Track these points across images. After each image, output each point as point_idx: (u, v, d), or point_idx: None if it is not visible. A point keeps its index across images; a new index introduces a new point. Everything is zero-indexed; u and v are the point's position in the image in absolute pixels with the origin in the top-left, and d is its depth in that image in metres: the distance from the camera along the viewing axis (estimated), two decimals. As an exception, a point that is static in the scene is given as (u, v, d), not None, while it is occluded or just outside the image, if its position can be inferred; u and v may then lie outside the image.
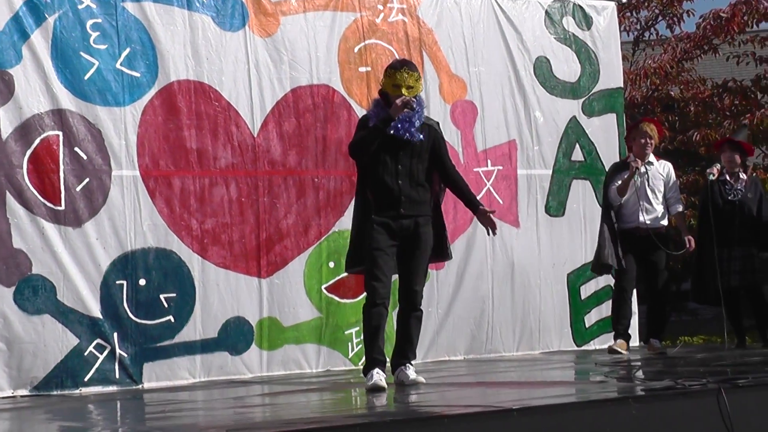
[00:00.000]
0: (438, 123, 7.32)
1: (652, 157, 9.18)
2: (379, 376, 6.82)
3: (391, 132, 6.92)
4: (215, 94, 8.78)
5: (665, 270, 9.11)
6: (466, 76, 9.85)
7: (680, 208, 9.29)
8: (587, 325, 10.26)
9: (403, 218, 6.96)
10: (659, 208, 9.09)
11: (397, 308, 7.15)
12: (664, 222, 9.16)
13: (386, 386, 6.81)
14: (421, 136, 7.00)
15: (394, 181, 6.95)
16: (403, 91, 6.94)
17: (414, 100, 6.98)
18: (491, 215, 7.12)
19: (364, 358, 7.06)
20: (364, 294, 7.04)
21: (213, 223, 8.69)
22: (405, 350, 7.09)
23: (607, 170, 9.67)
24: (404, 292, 7.05)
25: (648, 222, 9.02)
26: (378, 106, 7.06)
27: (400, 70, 6.99)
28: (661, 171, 9.19)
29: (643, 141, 9.10)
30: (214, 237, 8.69)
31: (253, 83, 8.92)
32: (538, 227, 10.05)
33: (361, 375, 7.06)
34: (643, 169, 9.03)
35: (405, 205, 6.96)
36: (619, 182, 9.01)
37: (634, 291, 9.57)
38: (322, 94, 9.19)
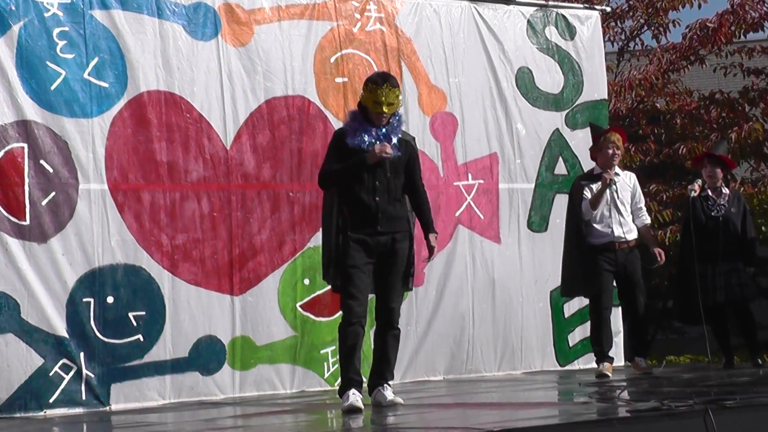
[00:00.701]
0: (414, 138, 7.33)
1: (617, 168, 9.15)
2: (355, 397, 6.81)
3: (369, 149, 6.96)
4: (186, 106, 8.76)
5: (641, 282, 9.07)
6: (446, 87, 9.86)
7: (647, 220, 9.27)
8: (571, 344, 10.25)
9: (380, 235, 6.99)
10: (630, 220, 9.08)
11: (374, 327, 7.14)
12: (636, 234, 9.13)
13: (363, 407, 6.80)
14: (399, 153, 7.04)
15: (371, 198, 6.98)
16: (384, 108, 6.96)
17: (391, 152, 6.96)
18: (434, 247, 7.15)
19: (340, 379, 7.05)
20: (340, 312, 7.04)
21: (184, 238, 8.66)
22: (382, 370, 7.09)
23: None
24: (381, 310, 7.05)
25: (623, 235, 8.99)
26: (356, 120, 7.07)
27: (381, 86, 6.98)
28: (627, 182, 9.16)
29: (610, 151, 9.02)
30: (185, 253, 8.66)
31: (226, 94, 8.91)
32: (520, 243, 10.05)
33: (337, 396, 7.04)
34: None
35: (382, 221, 6.99)
36: (588, 195, 8.95)
37: (619, 309, 9.55)
38: (297, 105, 9.18)
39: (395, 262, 7.03)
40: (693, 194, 9.41)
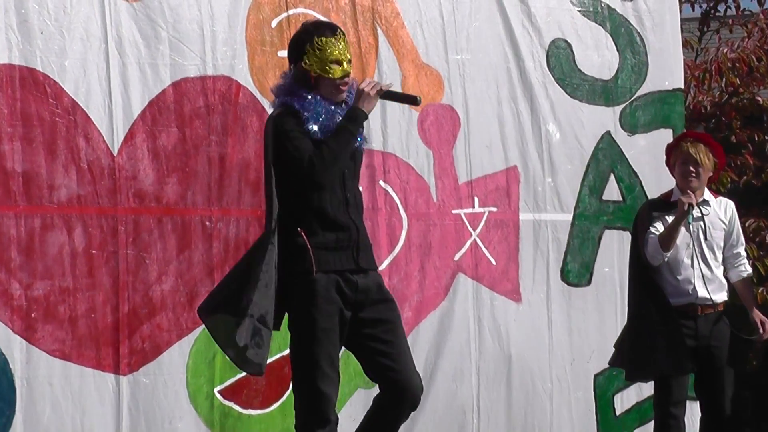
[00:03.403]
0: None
1: (707, 194, 9.12)
2: None
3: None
4: (54, 89, 8.76)
5: (729, 367, 9.03)
6: (444, 67, 9.90)
7: (746, 272, 9.25)
8: (625, 455, 10.28)
9: (360, 274, 6.99)
10: (720, 273, 9.05)
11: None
12: (726, 293, 9.09)
13: None
14: (362, 141, 7.12)
15: (346, 217, 6.98)
16: (346, 66, 6.99)
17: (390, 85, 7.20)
18: None
19: None
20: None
21: (46, 287, 8.66)
22: None
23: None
24: (400, 389, 6.92)
25: (709, 295, 8.96)
26: (302, 97, 6.94)
27: (334, 37, 7.00)
28: (721, 215, 9.14)
29: (683, 169, 9.02)
30: (48, 309, 8.65)
31: (114, 72, 8.91)
32: (549, 301, 10.09)
33: None
34: (697, 212, 8.95)
35: (362, 253, 7.01)
36: (660, 229, 8.92)
37: (696, 404, 9.53)
38: (220, 90, 9.21)
39: (396, 314, 7.03)
40: None
